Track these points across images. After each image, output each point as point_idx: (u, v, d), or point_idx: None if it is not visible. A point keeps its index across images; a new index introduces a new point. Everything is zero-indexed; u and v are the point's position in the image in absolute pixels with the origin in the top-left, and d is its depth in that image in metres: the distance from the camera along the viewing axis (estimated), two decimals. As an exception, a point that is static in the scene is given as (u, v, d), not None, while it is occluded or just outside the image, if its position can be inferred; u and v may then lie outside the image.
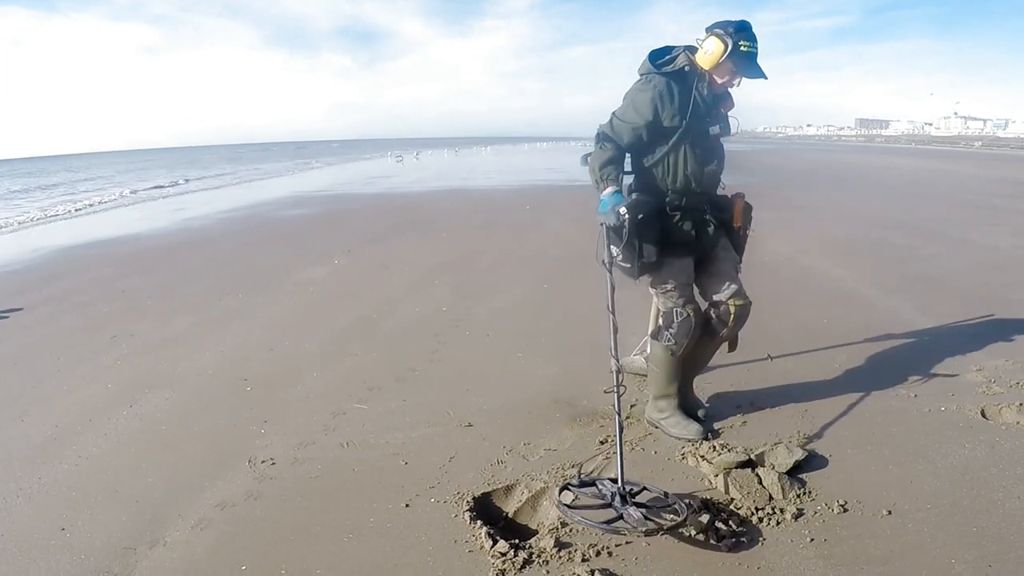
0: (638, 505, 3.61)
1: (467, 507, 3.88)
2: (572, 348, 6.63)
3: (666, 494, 3.76)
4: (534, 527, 3.84)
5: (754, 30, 4.35)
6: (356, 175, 35.16)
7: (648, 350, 4.94)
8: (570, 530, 3.66)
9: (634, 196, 4.52)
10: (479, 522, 3.73)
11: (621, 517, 3.55)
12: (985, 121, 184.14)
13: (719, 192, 4.75)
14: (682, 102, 4.37)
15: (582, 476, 3.92)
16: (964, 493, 3.96)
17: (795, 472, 4.16)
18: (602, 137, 4.45)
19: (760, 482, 4.02)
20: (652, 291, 4.82)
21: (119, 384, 6.03)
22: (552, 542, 3.52)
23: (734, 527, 3.66)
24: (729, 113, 4.68)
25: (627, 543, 3.54)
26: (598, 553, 3.47)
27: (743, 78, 4.47)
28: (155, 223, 18.97)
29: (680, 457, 4.43)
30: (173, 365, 6.45)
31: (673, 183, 4.48)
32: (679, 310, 4.65)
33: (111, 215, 23.61)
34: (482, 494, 4.04)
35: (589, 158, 4.51)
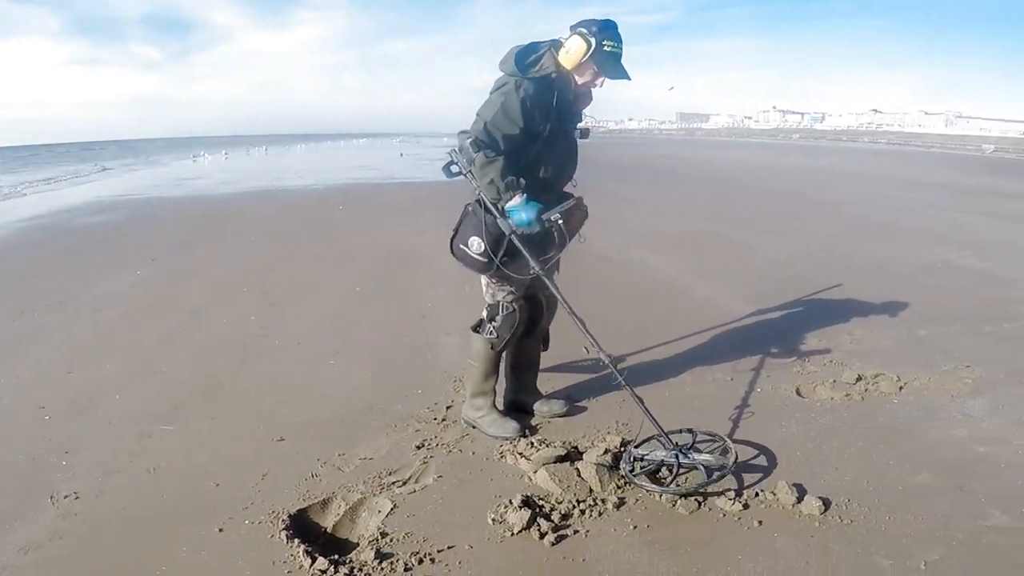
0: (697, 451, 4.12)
1: (283, 526, 3.73)
2: (385, 353, 6.56)
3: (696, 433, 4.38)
4: (355, 540, 3.75)
5: (619, 30, 4.29)
6: (161, 177, 33.41)
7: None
8: (390, 540, 3.61)
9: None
10: (296, 540, 3.58)
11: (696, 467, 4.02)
12: (803, 115, 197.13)
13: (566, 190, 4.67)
14: (548, 107, 4.30)
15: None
16: (784, 468, 4.23)
17: (615, 462, 4.24)
18: (482, 144, 4.21)
19: (579, 475, 4.08)
20: (486, 282, 4.68)
21: None
22: (373, 554, 3.45)
23: (556, 522, 3.70)
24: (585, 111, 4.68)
25: (449, 548, 3.53)
26: (420, 561, 3.43)
27: (606, 79, 4.40)
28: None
29: (499, 456, 4.45)
30: (-41, 398, 5.83)
31: (534, 184, 4.34)
32: (506, 304, 4.61)
33: None
34: (298, 511, 3.90)
35: (477, 168, 4.23)
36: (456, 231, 4.51)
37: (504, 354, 4.84)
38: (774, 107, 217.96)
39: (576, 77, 4.36)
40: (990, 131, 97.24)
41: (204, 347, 6.86)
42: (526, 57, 4.32)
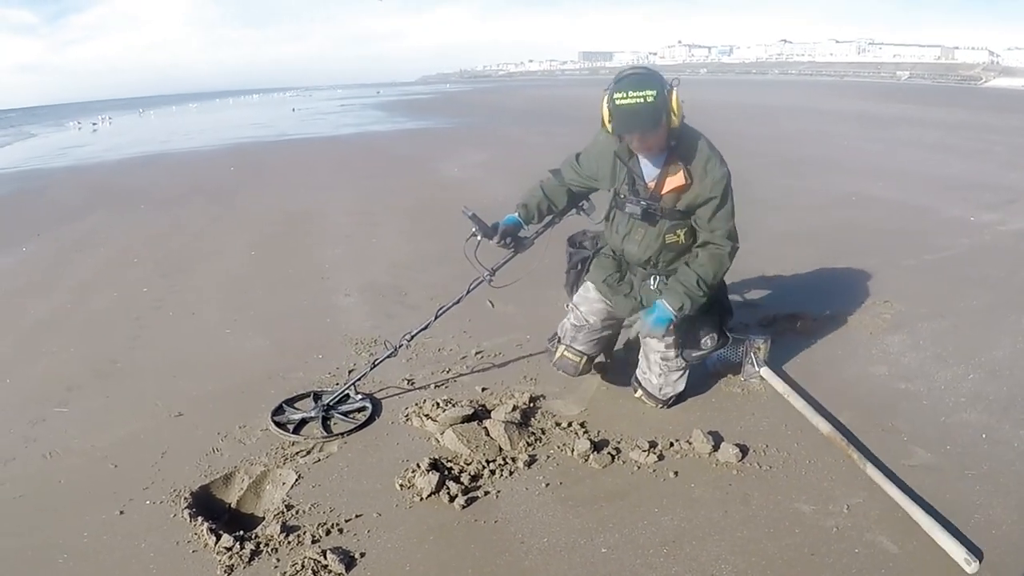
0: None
1: (185, 504, 3.58)
2: (282, 318, 6.37)
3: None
4: (260, 514, 3.63)
5: (635, 74, 3.62)
6: (42, 147, 31.88)
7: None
8: (296, 512, 3.49)
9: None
10: (200, 518, 3.45)
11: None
12: (710, 48, 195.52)
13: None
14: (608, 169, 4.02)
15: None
16: (698, 417, 4.22)
17: (525, 420, 4.18)
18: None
19: (488, 434, 4.01)
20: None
21: None
22: (279, 528, 3.34)
23: (466, 484, 3.62)
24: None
25: (357, 516, 3.44)
26: (328, 532, 3.34)
27: (640, 136, 3.68)
28: None
29: (404, 419, 4.34)
30: None
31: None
32: None
33: None
34: (200, 488, 3.75)
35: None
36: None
37: None
38: (679, 41, 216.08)
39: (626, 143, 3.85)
40: (904, 57, 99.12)
41: (96, 324, 6.54)
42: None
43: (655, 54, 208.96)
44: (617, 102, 3.55)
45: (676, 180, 3.76)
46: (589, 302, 4.32)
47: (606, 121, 3.69)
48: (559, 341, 4.43)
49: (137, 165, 20.19)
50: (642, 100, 3.50)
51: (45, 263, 9.01)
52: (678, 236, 3.94)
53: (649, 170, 3.87)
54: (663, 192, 3.83)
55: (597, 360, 4.55)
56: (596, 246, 4.48)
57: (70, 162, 22.67)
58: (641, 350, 4.34)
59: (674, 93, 3.58)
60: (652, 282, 4.13)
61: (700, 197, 3.77)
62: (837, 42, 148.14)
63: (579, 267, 4.50)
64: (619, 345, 4.88)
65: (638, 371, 4.35)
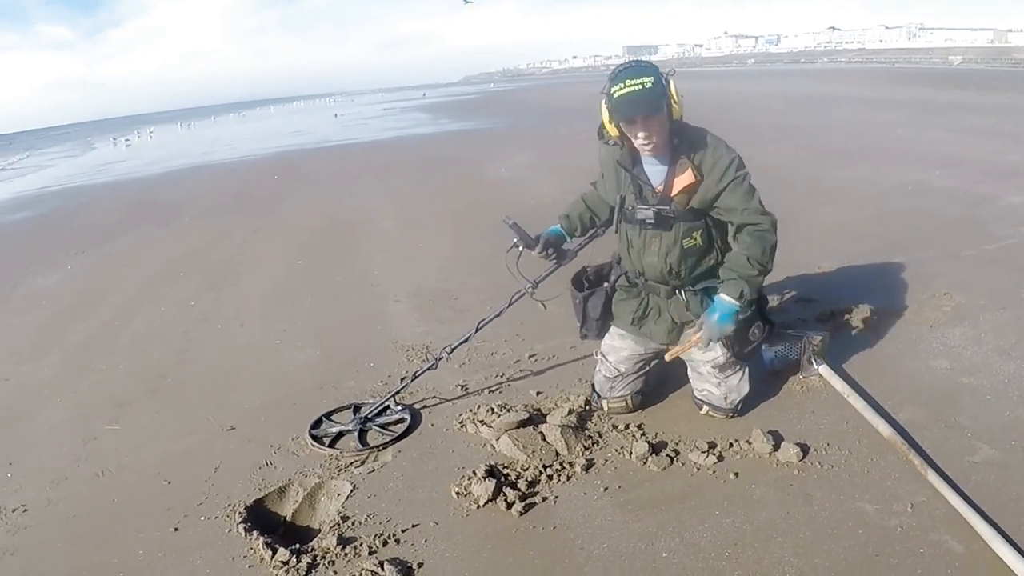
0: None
1: (240, 519, 3.57)
2: (332, 327, 6.36)
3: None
4: (316, 527, 3.61)
5: (629, 65, 3.54)
6: (83, 165, 32.09)
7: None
8: (352, 523, 3.46)
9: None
10: (255, 533, 3.44)
11: None
12: (757, 38, 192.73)
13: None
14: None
15: None
16: (756, 415, 4.13)
17: (581, 423, 4.11)
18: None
19: (544, 439, 3.95)
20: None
21: None
22: (335, 540, 3.30)
23: (523, 490, 3.56)
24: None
25: (413, 527, 3.39)
26: (384, 543, 3.29)
27: (643, 121, 3.49)
28: None
29: (459, 426, 4.29)
30: None
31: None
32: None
33: None
34: (254, 502, 3.73)
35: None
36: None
37: None
38: (726, 32, 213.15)
39: (626, 140, 3.69)
40: (956, 41, 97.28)
41: (144, 339, 6.60)
42: None
43: (701, 46, 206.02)
44: (615, 94, 3.46)
45: (685, 179, 3.63)
46: (616, 351, 4.21)
47: (606, 122, 3.62)
48: (599, 396, 4.31)
49: (179, 178, 20.40)
50: (640, 86, 3.41)
51: (90, 280, 9.14)
52: (695, 239, 3.80)
53: (655, 174, 3.75)
54: (673, 193, 3.69)
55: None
56: (601, 278, 4.34)
57: (112, 178, 22.97)
58: (689, 368, 4.18)
59: (672, 82, 3.50)
60: (681, 295, 3.98)
61: (713, 190, 3.64)
62: (887, 28, 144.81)
63: (605, 310, 4.25)
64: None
65: (694, 390, 4.19)
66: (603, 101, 3.57)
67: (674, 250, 3.81)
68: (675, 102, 3.50)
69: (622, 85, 3.43)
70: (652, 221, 3.74)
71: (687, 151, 3.63)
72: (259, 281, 8.22)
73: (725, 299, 3.72)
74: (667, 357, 4.00)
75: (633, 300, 4.12)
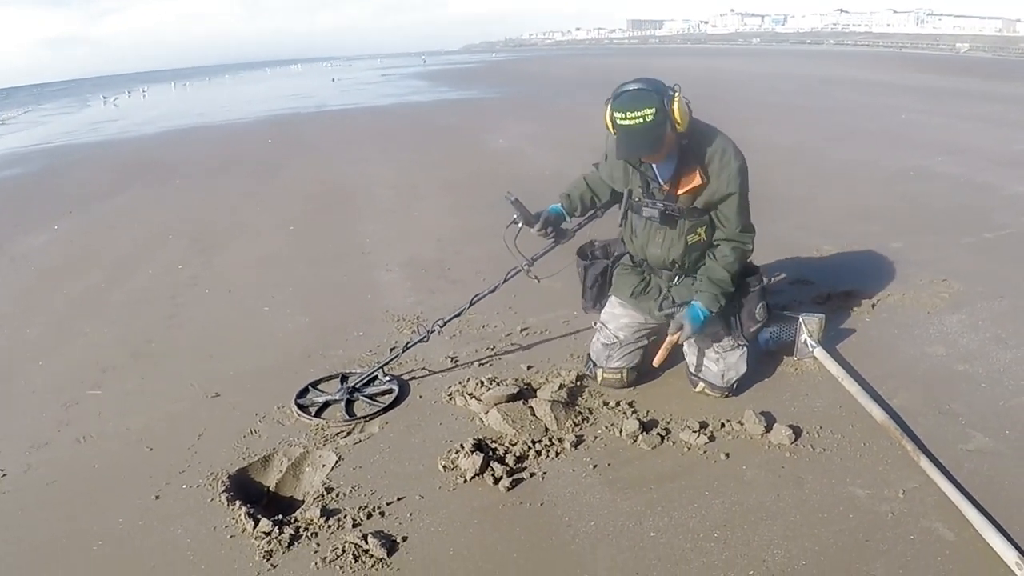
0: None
1: (223, 488, 3.52)
2: (322, 295, 6.29)
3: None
4: (299, 497, 3.57)
5: (632, 89, 3.47)
6: (77, 123, 31.86)
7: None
8: (336, 495, 3.42)
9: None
10: (238, 502, 3.39)
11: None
12: (763, 17, 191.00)
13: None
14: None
15: None
16: (749, 396, 4.09)
17: (571, 399, 4.08)
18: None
19: (533, 413, 3.91)
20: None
21: None
22: (319, 511, 3.26)
23: (511, 465, 3.52)
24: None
25: (399, 499, 3.35)
26: (369, 515, 3.26)
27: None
28: None
29: (447, 398, 4.25)
30: None
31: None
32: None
33: None
34: (238, 471, 3.68)
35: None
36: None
37: None
38: (732, 10, 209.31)
39: None
40: (964, 29, 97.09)
41: (130, 303, 6.51)
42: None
43: (706, 22, 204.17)
44: (618, 121, 3.47)
45: (692, 180, 3.65)
46: (616, 318, 4.22)
47: (610, 126, 3.58)
48: (595, 365, 4.28)
49: (173, 138, 20.18)
50: (641, 120, 3.40)
51: (78, 241, 9.01)
52: (699, 235, 3.85)
53: (663, 171, 3.75)
54: (679, 193, 3.72)
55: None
56: (607, 254, 4.38)
57: (104, 137, 22.61)
58: (685, 344, 4.13)
59: (676, 101, 3.44)
60: (679, 281, 4.05)
61: (718, 193, 3.69)
62: (895, 12, 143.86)
63: (599, 280, 4.35)
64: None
65: (689, 367, 4.17)
66: (607, 110, 3.54)
67: (678, 244, 3.88)
68: (678, 123, 3.48)
69: (623, 116, 3.43)
70: (657, 218, 3.81)
71: (696, 152, 3.65)
72: (250, 246, 8.13)
73: (701, 307, 3.82)
74: (655, 362, 4.01)
75: (635, 276, 4.17)
